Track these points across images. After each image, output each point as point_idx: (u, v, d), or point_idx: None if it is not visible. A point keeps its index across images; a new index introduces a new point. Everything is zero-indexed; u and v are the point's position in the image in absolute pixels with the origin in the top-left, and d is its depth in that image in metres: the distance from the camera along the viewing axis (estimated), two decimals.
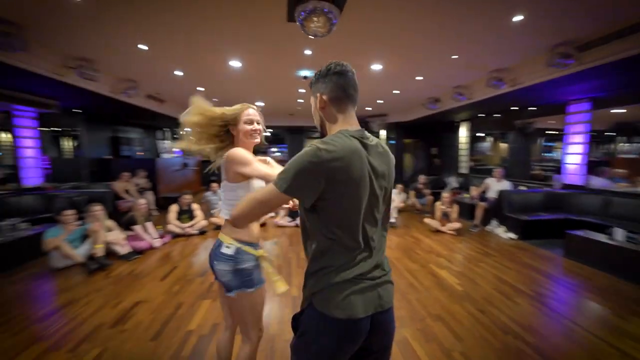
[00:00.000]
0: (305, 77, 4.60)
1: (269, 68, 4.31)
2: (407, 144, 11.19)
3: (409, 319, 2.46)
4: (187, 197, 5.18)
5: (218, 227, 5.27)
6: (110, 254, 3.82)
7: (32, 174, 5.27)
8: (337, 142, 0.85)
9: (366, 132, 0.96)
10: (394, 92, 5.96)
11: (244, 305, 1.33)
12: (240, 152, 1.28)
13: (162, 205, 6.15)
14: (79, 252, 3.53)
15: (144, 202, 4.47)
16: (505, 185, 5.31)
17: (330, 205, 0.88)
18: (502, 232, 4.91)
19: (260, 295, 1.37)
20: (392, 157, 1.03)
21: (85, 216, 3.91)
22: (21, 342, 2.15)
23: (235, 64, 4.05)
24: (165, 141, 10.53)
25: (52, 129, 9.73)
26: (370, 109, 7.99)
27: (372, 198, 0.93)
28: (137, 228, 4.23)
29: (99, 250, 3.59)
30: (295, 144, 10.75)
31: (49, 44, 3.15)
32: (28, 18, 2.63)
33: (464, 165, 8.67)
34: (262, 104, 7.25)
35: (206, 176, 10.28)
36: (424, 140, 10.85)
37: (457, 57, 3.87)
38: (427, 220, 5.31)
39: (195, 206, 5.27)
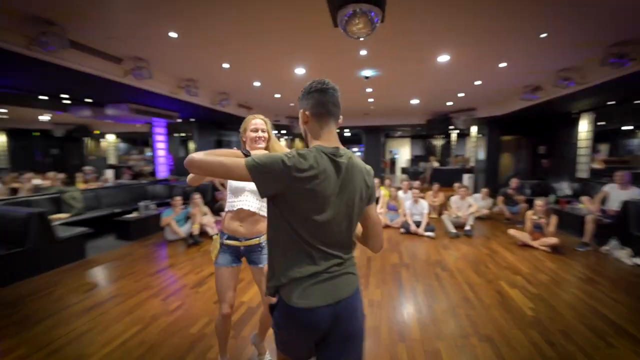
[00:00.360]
0: (367, 77, 4.61)
1: (330, 71, 4.53)
2: (506, 141, 9.57)
3: (449, 333, 2.25)
4: None
5: None
6: (203, 233, 4.78)
7: (162, 169, 7.03)
8: (310, 156, 0.93)
9: (340, 149, 1.01)
10: (475, 83, 5.26)
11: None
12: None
13: None
14: (182, 230, 4.57)
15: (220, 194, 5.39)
16: (634, 193, 3.99)
17: (290, 208, 0.96)
18: (624, 256, 3.74)
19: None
20: (366, 170, 1.05)
21: (189, 202, 5.00)
22: (138, 288, 3.01)
23: (300, 70, 4.43)
24: None
25: (180, 134, 12.62)
26: (451, 103, 7.23)
27: (335, 211, 0.98)
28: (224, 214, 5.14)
29: (196, 229, 4.56)
30: (372, 143, 10.65)
31: (166, 71, 4.26)
32: (153, 54, 3.64)
33: (583, 168, 6.86)
34: None
35: None
36: (529, 137, 9.06)
37: (546, 35, 3.16)
38: (512, 231, 4.51)
39: None
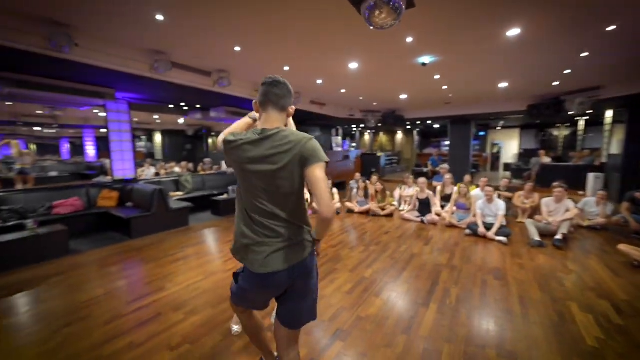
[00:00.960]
0: (424, 64, 4.25)
1: (383, 62, 4.43)
2: None
3: (462, 337, 2.06)
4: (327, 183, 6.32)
5: (350, 211, 6.07)
6: None
7: None
8: (240, 135, 1.21)
9: (271, 129, 1.19)
10: (582, 55, 4.08)
11: None
12: None
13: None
14: None
15: None
16: None
17: (239, 181, 1.27)
18: None
19: None
20: (298, 140, 1.17)
21: None
22: (212, 251, 3.87)
23: (353, 65, 4.52)
24: (338, 137, 12.63)
25: None
26: (557, 83, 5.75)
27: (256, 180, 1.20)
28: None
29: None
30: (460, 134, 9.47)
31: (242, 78, 5.14)
32: (229, 65, 4.50)
33: None
34: (405, 96, 7.18)
35: (368, 167, 11.42)
36: None
37: None
38: (623, 247, 3.42)
39: (335, 190, 6.32)
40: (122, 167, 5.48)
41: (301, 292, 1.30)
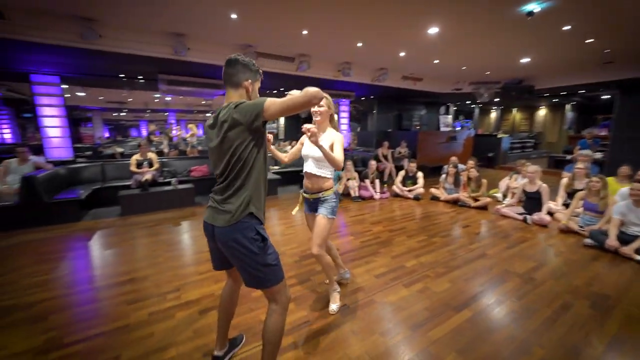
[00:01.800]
0: (530, 14, 3.08)
1: (473, 21, 3.52)
2: None
3: (471, 339, 1.71)
4: (413, 166, 5.84)
5: (435, 198, 5.48)
6: (347, 194, 5.73)
7: (344, 141, 8.62)
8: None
9: (223, 106, 1.32)
10: None
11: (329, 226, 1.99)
12: None
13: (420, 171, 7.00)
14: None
15: (374, 164, 5.87)
16: None
17: None
18: None
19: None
20: (233, 105, 1.25)
21: (344, 167, 6.07)
22: (292, 223, 4.48)
23: (433, 29, 3.84)
24: (448, 116, 11.11)
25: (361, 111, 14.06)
26: None
27: (212, 153, 1.36)
28: (367, 181, 5.77)
29: (340, 189, 5.59)
30: (633, 107, 6.50)
31: (325, 59, 5.28)
32: (312, 49, 4.74)
33: None
34: (527, 59, 5.49)
35: (481, 150, 9.70)
36: None
37: None
38: None
39: (420, 174, 5.82)
40: None
41: (233, 261, 1.37)
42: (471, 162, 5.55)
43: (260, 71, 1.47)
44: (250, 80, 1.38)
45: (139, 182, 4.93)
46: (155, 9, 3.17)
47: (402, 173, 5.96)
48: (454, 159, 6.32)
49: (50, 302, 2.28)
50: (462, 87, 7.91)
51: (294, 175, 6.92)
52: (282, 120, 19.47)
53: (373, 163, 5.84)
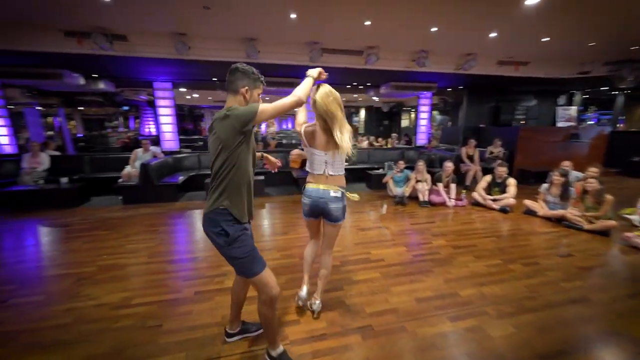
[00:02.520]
0: None
1: None
2: None
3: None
4: (502, 170, 4.84)
5: (530, 212, 4.44)
6: (414, 197, 5.20)
7: (422, 137, 7.83)
8: None
9: (224, 108, 1.39)
10: None
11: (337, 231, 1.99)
12: None
13: (517, 177, 5.70)
14: (397, 189, 5.30)
15: (450, 166, 5.10)
16: None
17: None
18: None
19: None
20: (221, 118, 1.35)
21: (414, 167, 5.51)
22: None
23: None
24: (570, 107, 8.72)
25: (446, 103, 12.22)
26: None
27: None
28: (440, 185, 5.09)
29: (406, 191, 5.12)
30: None
31: (396, 49, 4.78)
32: (379, 39, 4.38)
33: None
34: None
35: (619, 152, 7.34)
36: None
37: None
38: None
39: (511, 181, 4.80)
40: None
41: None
42: (593, 170, 4.21)
43: (262, 78, 1.51)
44: (247, 87, 1.45)
45: None
46: (228, 18, 3.52)
47: (487, 178, 5.02)
48: (565, 164, 4.96)
49: (135, 267, 2.86)
50: (591, 70, 6.00)
51: (358, 172, 6.72)
52: (362, 114, 19.20)
53: (449, 165, 5.09)
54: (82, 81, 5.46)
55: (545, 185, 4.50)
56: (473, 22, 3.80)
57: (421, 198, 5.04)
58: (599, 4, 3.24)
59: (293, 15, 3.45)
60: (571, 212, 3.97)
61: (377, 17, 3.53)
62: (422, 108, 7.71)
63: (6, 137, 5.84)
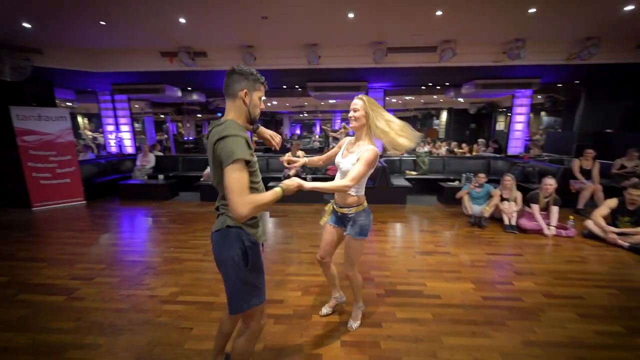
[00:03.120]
0: None
1: None
2: None
3: None
4: (637, 194, 3.51)
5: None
6: (496, 219, 4.27)
7: (516, 144, 6.47)
8: None
9: (215, 121, 1.27)
10: None
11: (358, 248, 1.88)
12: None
13: None
14: (475, 207, 4.44)
15: (552, 184, 3.97)
16: None
17: None
18: None
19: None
20: (216, 132, 1.19)
21: (500, 181, 4.53)
22: (407, 241, 3.95)
23: None
24: None
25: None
26: None
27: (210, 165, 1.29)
28: (535, 207, 4.03)
29: (486, 211, 4.24)
30: None
31: (478, 41, 3.93)
32: (456, 31, 3.69)
33: None
34: None
35: None
36: None
37: None
38: None
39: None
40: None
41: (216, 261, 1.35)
42: None
43: (263, 80, 1.33)
44: (246, 90, 1.26)
45: (285, 176, 5.85)
46: (286, 26, 3.54)
47: (611, 203, 3.73)
48: None
49: (190, 263, 3.10)
50: None
51: (430, 183, 5.96)
52: (444, 116, 17.33)
53: (550, 182, 3.98)
54: (179, 93, 6.46)
55: None
56: None
57: (506, 221, 4.08)
58: None
59: (351, 15, 3.22)
60: None
61: (451, 5, 2.98)
62: (518, 109, 6.33)
63: (129, 140, 7.36)
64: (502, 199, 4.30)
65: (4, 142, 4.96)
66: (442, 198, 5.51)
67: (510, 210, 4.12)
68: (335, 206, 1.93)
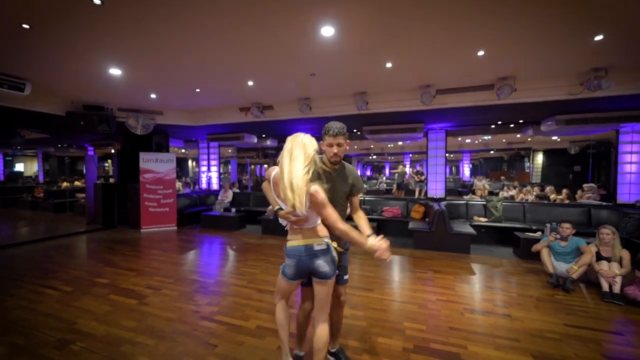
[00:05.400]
0: None
1: None
2: None
3: None
4: None
5: None
6: (594, 284, 3.35)
7: (629, 190, 5.12)
8: None
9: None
10: None
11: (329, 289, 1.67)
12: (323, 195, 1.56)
13: None
14: (559, 265, 3.60)
15: None
16: None
17: None
18: None
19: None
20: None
21: (597, 234, 3.63)
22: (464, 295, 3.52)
23: None
24: None
25: None
26: None
27: None
28: None
29: (574, 271, 3.39)
30: None
31: (542, 75, 3.47)
32: (513, 67, 3.37)
33: None
34: None
35: None
36: None
37: None
38: None
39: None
40: (434, 187, 6.35)
41: None
42: None
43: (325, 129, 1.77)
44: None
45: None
46: (333, 79, 4.03)
47: None
48: None
49: (233, 288, 3.41)
50: None
51: (505, 233, 5.14)
52: (539, 158, 14.93)
53: None
54: (255, 140, 7.61)
55: None
56: None
57: (605, 287, 3.17)
58: None
59: (389, 65, 3.43)
60: None
61: (496, 44, 2.87)
62: (626, 147, 5.08)
63: (215, 179, 8.83)
64: (600, 258, 3.40)
65: (134, 178, 6.66)
66: (519, 251, 4.65)
67: (612, 274, 3.20)
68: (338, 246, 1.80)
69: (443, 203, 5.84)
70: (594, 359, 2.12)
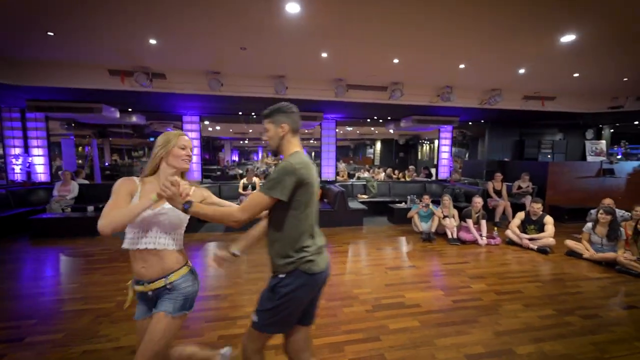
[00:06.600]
0: None
1: None
2: None
3: None
4: (537, 207, 4.56)
5: (573, 254, 4.08)
6: (442, 234, 4.94)
7: (444, 170, 7.67)
8: (301, 159, 1.31)
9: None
10: None
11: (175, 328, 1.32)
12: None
13: (549, 214, 5.43)
14: (424, 225, 5.06)
15: (480, 201, 4.86)
16: None
17: (301, 202, 1.27)
18: None
19: None
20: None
21: (441, 201, 5.29)
22: (365, 258, 4.19)
23: (568, 37, 2.86)
24: (600, 142, 8.44)
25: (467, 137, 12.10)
26: None
27: (314, 196, 1.34)
28: (469, 222, 4.82)
29: (432, 228, 4.87)
30: None
31: (421, 85, 4.87)
32: (405, 76, 4.45)
33: None
34: None
35: None
36: None
37: None
38: None
39: (549, 220, 4.49)
40: (327, 170, 7.10)
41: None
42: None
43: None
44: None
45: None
46: (261, 57, 3.73)
47: (521, 215, 4.72)
48: (607, 201, 4.64)
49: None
50: (625, 104, 5.84)
51: (379, 206, 6.54)
52: (378, 146, 19.35)
53: (478, 200, 4.86)
54: (117, 114, 5.79)
55: (589, 225, 4.15)
56: (502, 59, 3.84)
57: (450, 235, 4.76)
58: (636, 38, 3.19)
59: (324, 55, 3.60)
60: (625, 256, 3.59)
61: (406, 56, 3.64)
62: (444, 141, 7.65)
63: (42, 166, 6.13)
64: (444, 217, 5.03)
65: None
66: (393, 218, 6.08)
67: (452, 225, 4.83)
68: (139, 285, 1.32)
69: (338, 184, 6.70)
70: (466, 280, 3.25)
